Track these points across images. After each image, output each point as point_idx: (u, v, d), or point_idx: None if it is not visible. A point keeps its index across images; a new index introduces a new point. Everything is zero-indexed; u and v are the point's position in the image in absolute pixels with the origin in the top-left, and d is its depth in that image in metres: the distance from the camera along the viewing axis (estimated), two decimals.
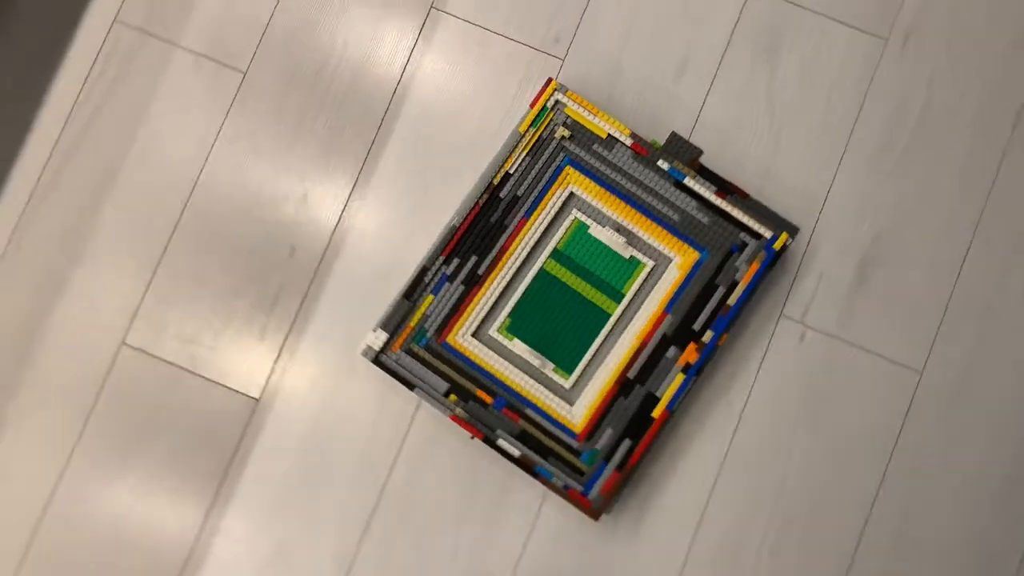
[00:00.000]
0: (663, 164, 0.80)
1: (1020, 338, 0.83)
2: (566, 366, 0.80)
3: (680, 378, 0.78)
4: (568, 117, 0.81)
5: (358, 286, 0.84)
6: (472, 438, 0.81)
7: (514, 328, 0.80)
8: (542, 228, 0.80)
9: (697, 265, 0.80)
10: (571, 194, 0.81)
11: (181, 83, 0.86)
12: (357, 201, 0.84)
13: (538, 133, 0.81)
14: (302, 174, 0.85)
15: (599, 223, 0.81)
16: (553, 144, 0.81)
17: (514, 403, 0.79)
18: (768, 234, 0.80)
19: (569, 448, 0.78)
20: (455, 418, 0.78)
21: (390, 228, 0.84)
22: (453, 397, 0.78)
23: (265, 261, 0.84)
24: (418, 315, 0.79)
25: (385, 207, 0.85)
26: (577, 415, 0.79)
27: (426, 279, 0.80)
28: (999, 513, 0.81)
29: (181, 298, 0.84)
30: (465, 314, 0.79)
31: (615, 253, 0.80)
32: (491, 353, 0.79)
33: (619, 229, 0.81)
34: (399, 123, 0.85)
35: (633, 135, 0.81)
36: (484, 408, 0.78)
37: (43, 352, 0.83)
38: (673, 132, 0.82)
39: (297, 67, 0.86)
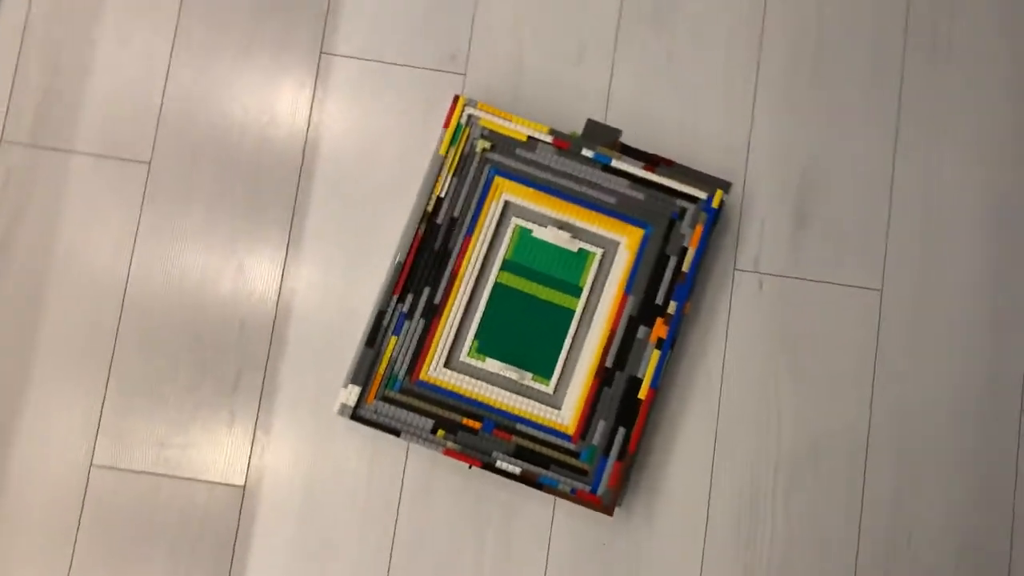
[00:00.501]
0: (587, 152, 0.80)
1: (964, 230, 0.85)
2: (544, 372, 0.79)
3: (656, 354, 0.78)
4: (485, 129, 0.81)
5: (317, 345, 0.82)
6: (470, 467, 0.80)
7: (484, 348, 0.79)
8: (487, 243, 0.80)
9: (644, 241, 0.80)
10: (506, 203, 0.81)
11: (86, 188, 0.83)
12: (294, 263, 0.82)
13: (459, 151, 0.80)
14: (232, 246, 0.83)
15: (540, 224, 0.80)
16: (476, 159, 0.80)
17: (503, 422, 0.78)
18: (703, 195, 0.80)
19: (567, 451, 0.77)
20: (448, 452, 0.77)
21: (335, 279, 0.83)
22: (441, 432, 0.77)
23: (217, 342, 0.81)
24: (385, 360, 0.78)
25: (325, 259, 0.83)
26: (566, 417, 0.78)
27: (384, 322, 0.78)
28: (990, 401, 0.83)
29: (140, 403, 0.80)
30: (432, 347, 0.78)
31: (563, 250, 0.80)
32: (468, 379, 0.78)
33: (561, 226, 0.81)
34: (317, 173, 0.84)
35: (552, 131, 0.81)
36: (474, 435, 0.77)
37: (11, 492, 0.79)
38: (589, 119, 0.82)
39: (200, 144, 0.84)
